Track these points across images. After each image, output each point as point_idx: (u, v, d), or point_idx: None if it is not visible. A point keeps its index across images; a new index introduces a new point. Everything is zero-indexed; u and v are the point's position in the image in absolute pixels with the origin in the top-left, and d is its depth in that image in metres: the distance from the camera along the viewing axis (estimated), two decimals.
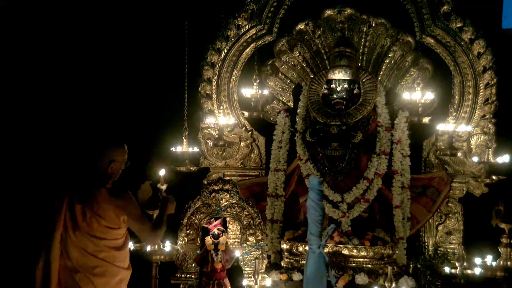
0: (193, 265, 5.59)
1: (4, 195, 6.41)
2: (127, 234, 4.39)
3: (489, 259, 5.64)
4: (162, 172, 4.90)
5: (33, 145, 6.59)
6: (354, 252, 5.64)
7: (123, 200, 4.29)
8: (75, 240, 4.21)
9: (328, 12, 6.42)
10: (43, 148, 6.55)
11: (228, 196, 5.64)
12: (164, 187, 4.87)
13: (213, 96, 6.50)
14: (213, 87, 6.50)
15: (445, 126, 5.93)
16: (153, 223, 4.51)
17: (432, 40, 6.25)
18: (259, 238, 5.67)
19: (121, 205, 4.27)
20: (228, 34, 6.45)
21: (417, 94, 5.78)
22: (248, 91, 6.10)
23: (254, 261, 5.46)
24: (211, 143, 6.41)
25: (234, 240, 5.95)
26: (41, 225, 4.27)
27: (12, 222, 6.29)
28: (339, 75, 6.00)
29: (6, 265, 6.05)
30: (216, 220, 5.57)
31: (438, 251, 6.23)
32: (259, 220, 5.68)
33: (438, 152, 6.25)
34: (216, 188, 5.66)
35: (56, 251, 4.20)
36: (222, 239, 5.45)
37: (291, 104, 6.48)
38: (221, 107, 6.40)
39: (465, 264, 5.54)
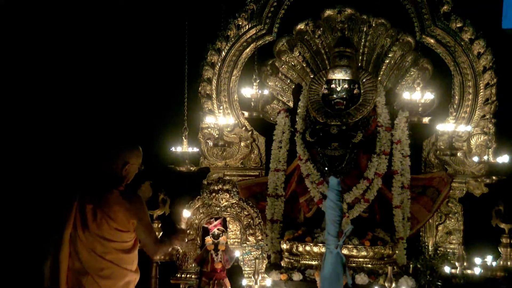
0: (193, 265, 5.59)
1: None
2: (136, 238, 4.37)
3: (489, 259, 5.66)
4: (186, 214, 4.70)
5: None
6: (354, 252, 5.64)
7: (135, 205, 4.28)
8: (84, 241, 4.20)
9: (328, 12, 6.42)
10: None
11: (228, 196, 5.64)
12: (183, 226, 4.71)
13: (213, 96, 6.50)
14: (213, 87, 6.50)
15: (445, 126, 5.93)
16: (159, 240, 4.49)
17: (432, 40, 6.25)
18: (259, 238, 5.67)
19: (133, 209, 4.25)
20: (228, 34, 6.45)
21: (417, 94, 5.78)
22: (248, 91, 6.09)
23: (254, 261, 5.46)
24: (211, 143, 6.41)
25: (234, 240, 5.95)
26: (51, 224, 4.27)
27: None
28: (339, 75, 6.00)
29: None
30: (216, 220, 5.57)
31: (438, 251, 6.23)
32: (259, 220, 5.67)
33: (438, 152, 6.25)
34: (216, 188, 5.66)
35: (65, 251, 4.20)
36: (222, 239, 5.45)
37: (291, 104, 6.48)
38: (221, 107, 6.40)
39: (465, 264, 5.55)
